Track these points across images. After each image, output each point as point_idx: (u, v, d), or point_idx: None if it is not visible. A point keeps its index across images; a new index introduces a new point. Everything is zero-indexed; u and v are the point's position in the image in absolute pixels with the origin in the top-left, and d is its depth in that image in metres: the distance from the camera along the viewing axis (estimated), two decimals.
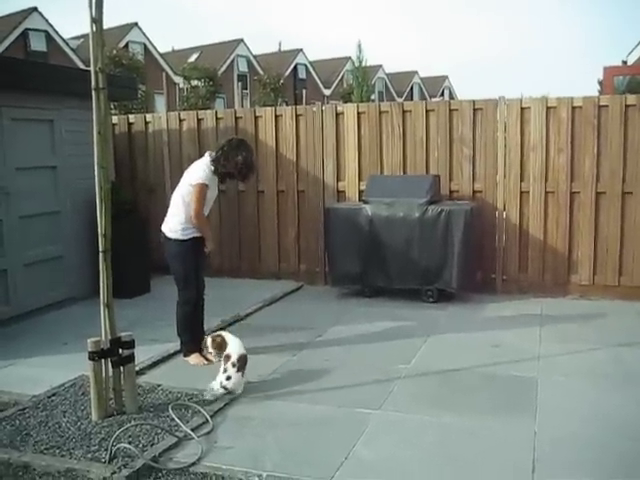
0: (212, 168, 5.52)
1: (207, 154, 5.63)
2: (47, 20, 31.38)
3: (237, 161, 5.49)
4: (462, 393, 4.89)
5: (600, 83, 15.34)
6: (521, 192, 7.83)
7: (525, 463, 3.76)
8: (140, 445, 4.00)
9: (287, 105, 10.44)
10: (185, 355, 5.72)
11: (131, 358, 4.53)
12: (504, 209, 7.92)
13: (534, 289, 7.84)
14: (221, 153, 5.50)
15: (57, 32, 31.81)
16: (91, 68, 4.23)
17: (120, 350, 4.46)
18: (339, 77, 48.34)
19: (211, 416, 4.41)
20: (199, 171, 5.52)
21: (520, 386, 4.99)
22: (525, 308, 7.31)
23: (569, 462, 3.79)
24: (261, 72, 39.42)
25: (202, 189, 5.44)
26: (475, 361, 5.54)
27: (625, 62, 12.98)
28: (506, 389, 4.94)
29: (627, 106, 7.38)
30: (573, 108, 7.56)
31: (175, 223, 5.55)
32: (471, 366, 5.42)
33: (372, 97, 35.49)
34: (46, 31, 31.25)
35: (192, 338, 5.69)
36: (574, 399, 4.73)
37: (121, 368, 4.50)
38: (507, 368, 5.38)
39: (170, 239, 5.57)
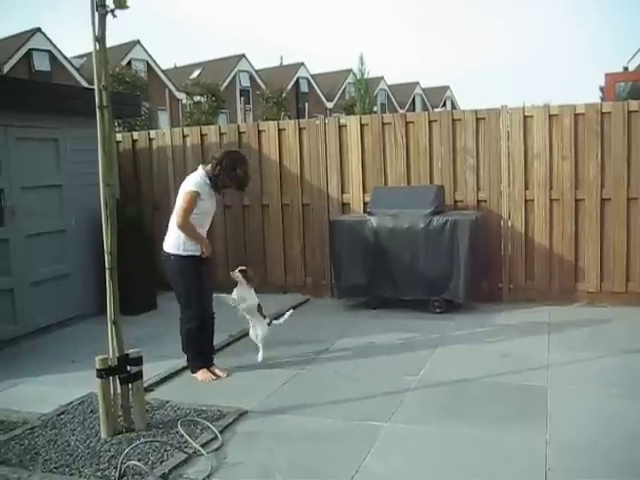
0: (208, 182, 5.47)
1: (200, 167, 5.59)
2: (50, 40, 31.66)
3: (237, 174, 5.50)
4: (472, 403, 4.86)
5: (602, 90, 15.35)
6: (526, 200, 7.82)
7: (537, 473, 3.73)
8: (150, 462, 3.99)
9: (290, 119, 10.49)
10: (192, 372, 5.67)
11: (139, 375, 4.52)
12: (509, 218, 7.91)
13: (541, 297, 7.82)
14: (217, 167, 5.45)
15: (60, 51, 32.10)
16: (95, 86, 4.26)
17: (128, 367, 4.46)
18: (341, 90, 48.53)
19: (220, 432, 4.40)
20: (192, 181, 5.46)
21: (530, 395, 4.96)
22: (533, 317, 7.29)
23: (581, 471, 3.76)
24: (263, 87, 39.60)
25: (192, 196, 5.36)
26: (484, 371, 5.51)
27: (626, 68, 12.98)
28: (516, 399, 4.92)
29: (630, 112, 7.38)
30: (576, 115, 7.56)
31: (174, 239, 5.49)
32: (480, 376, 5.40)
33: (374, 109, 35.55)
34: (49, 51, 31.54)
35: (198, 354, 5.66)
36: (585, 407, 4.70)
37: (129, 385, 4.49)
38: (516, 377, 5.35)
39: (170, 255, 5.51)
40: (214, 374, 5.60)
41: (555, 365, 5.59)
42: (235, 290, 5.90)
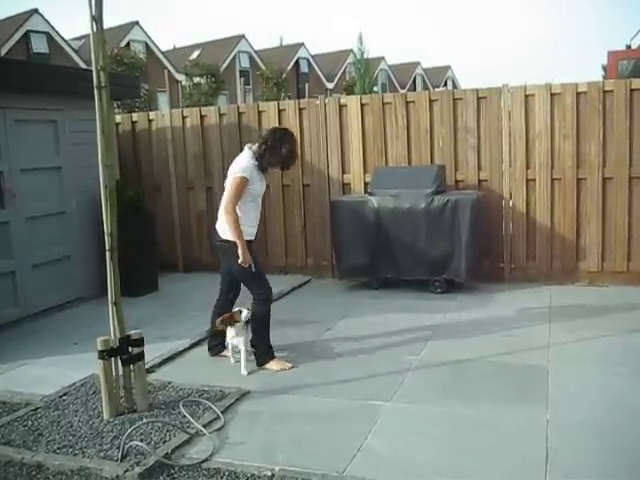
0: (255, 163, 5.25)
1: (247, 147, 5.38)
2: (48, 22, 31.42)
3: (282, 153, 5.26)
4: (473, 383, 4.87)
5: (604, 68, 15.26)
6: (527, 180, 7.79)
7: (538, 451, 3.75)
8: (152, 442, 4.01)
9: (290, 99, 10.41)
10: (264, 362, 5.34)
11: (141, 356, 4.52)
12: (510, 197, 7.89)
13: (542, 277, 7.81)
14: (265, 147, 5.24)
15: (58, 33, 31.85)
16: (92, 67, 4.23)
17: (130, 348, 4.47)
18: (341, 70, 48.22)
19: (222, 412, 4.41)
20: (240, 166, 5.22)
21: (531, 375, 4.97)
22: (534, 296, 7.29)
23: (583, 449, 3.77)
24: (263, 67, 39.39)
25: (241, 182, 5.13)
26: (485, 351, 5.52)
27: (629, 46, 12.88)
28: (517, 378, 4.92)
29: (632, 90, 7.32)
30: (578, 94, 7.51)
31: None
32: (481, 356, 5.41)
33: (375, 89, 35.38)
34: (47, 32, 31.29)
35: (270, 341, 5.40)
36: (586, 387, 4.71)
37: (131, 366, 4.50)
38: (518, 357, 5.36)
39: (229, 241, 5.18)
40: (288, 362, 5.42)
41: (557, 344, 5.59)
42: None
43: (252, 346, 5.40)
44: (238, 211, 5.15)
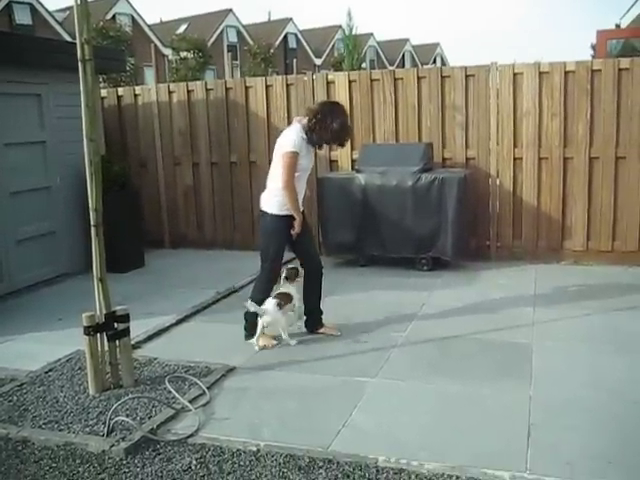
0: (304, 136, 5.13)
1: (296, 121, 5.30)
2: None
3: (333, 128, 5.11)
4: (458, 360, 4.91)
5: (593, 48, 15.23)
6: (514, 158, 7.79)
7: (521, 428, 3.79)
8: (138, 418, 4.01)
9: (278, 75, 10.33)
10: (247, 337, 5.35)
11: (126, 332, 4.52)
12: (497, 176, 7.90)
13: (528, 256, 7.85)
14: (313, 120, 5.10)
15: (42, 4, 31.38)
16: (77, 40, 4.17)
17: (115, 324, 4.46)
18: (330, 46, 47.89)
19: (208, 388, 4.42)
20: (289, 139, 5.10)
21: (516, 352, 5.01)
22: (519, 275, 7.33)
23: (564, 426, 3.82)
24: (251, 42, 39.05)
25: (293, 158, 5.05)
26: (470, 328, 5.56)
27: (618, 25, 12.87)
28: (502, 355, 4.96)
29: (620, 70, 7.32)
30: (566, 73, 7.49)
31: (272, 197, 5.20)
32: (466, 333, 5.45)
33: (363, 65, 35.16)
34: (31, 4, 30.82)
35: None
36: (569, 364, 4.75)
37: (117, 342, 4.49)
38: (503, 334, 5.40)
39: (266, 213, 5.22)
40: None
41: (541, 322, 5.64)
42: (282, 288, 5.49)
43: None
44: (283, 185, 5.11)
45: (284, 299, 5.32)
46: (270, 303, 5.19)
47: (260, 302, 5.23)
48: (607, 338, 5.25)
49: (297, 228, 5.17)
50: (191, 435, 3.83)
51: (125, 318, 4.50)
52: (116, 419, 3.95)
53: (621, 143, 7.40)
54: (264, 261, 5.35)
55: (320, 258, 5.66)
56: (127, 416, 4.01)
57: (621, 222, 7.53)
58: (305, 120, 5.19)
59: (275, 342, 5.32)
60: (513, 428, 3.80)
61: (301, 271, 5.50)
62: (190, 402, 4.22)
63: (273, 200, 5.19)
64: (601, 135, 7.45)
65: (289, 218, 5.19)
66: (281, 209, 5.16)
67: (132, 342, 4.78)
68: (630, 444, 3.62)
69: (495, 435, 3.75)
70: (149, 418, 4.02)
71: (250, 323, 5.33)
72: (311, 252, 5.54)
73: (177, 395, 4.30)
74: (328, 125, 5.10)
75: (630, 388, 4.31)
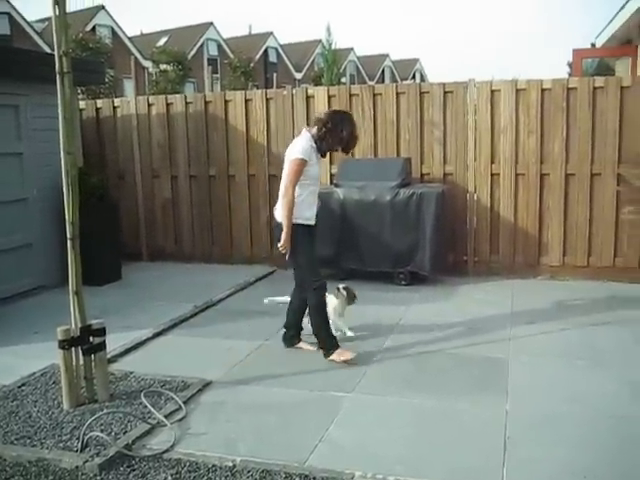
0: (314, 145, 5.12)
1: (305, 130, 5.25)
2: (9, 1, 30.75)
3: (343, 136, 5.12)
4: (434, 374, 4.92)
5: (570, 66, 15.43)
6: (492, 174, 7.87)
7: (497, 442, 3.80)
8: (112, 433, 3.97)
9: (258, 89, 10.33)
10: (329, 354, 5.20)
11: (102, 346, 4.48)
12: (475, 191, 7.96)
13: (505, 271, 7.91)
14: (323, 128, 5.09)
15: (20, 14, 31.20)
16: (55, 52, 4.15)
17: (91, 338, 4.42)
18: (310, 60, 48.12)
19: (184, 402, 4.39)
20: (299, 147, 5.07)
21: (492, 367, 5.04)
22: (497, 290, 7.38)
23: (540, 441, 3.84)
24: (231, 56, 39.11)
25: (300, 165, 5.00)
26: (448, 343, 5.58)
27: (594, 45, 13.06)
28: (478, 370, 4.99)
29: (595, 88, 7.44)
30: (542, 90, 7.60)
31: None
32: (444, 348, 5.47)
33: (343, 80, 35.37)
34: (9, 13, 30.66)
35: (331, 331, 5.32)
36: (545, 379, 4.79)
37: (92, 356, 4.45)
38: (479, 349, 5.42)
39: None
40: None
41: (518, 337, 5.67)
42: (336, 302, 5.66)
43: (316, 337, 5.33)
44: (295, 194, 5.04)
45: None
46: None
47: (331, 337, 5.26)
48: (583, 353, 5.29)
49: (282, 241, 5.03)
50: (167, 450, 3.79)
51: (101, 332, 4.46)
52: (90, 434, 3.91)
53: (596, 160, 7.50)
54: (304, 275, 5.23)
55: None
56: (102, 431, 3.97)
57: (596, 238, 7.62)
58: (314, 129, 5.17)
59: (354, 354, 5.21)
60: (490, 443, 3.82)
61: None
62: (166, 417, 4.18)
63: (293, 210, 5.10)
64: (577, 152, 7.56)
65: (308, 227, 5.15)
66: (303, 218, 5.12)
67: (108, 356, 4.73)
68: (607, 459, 3.64)
69: (472, 450, 3.76)
70: (124, 433, 3.97)
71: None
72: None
73: (153, 410, 4.26)
74: (338, 134, 5.12)
75: (606, 403, 4.35)
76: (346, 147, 5.28)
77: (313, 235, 5.25)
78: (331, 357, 5.18)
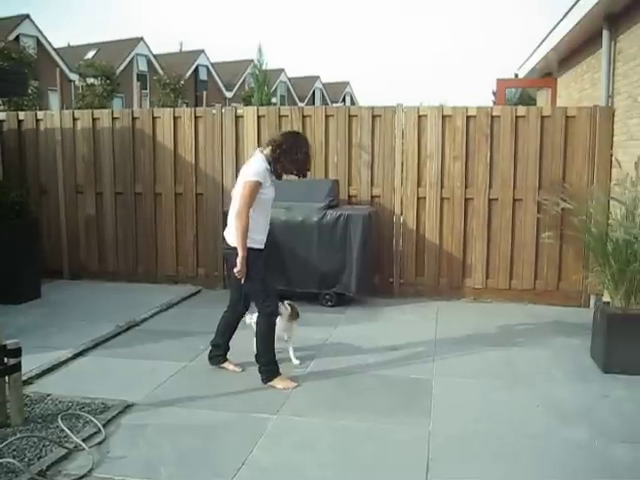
0: (268, 167, 5.00)
1: (258, 151, 5.13)
2: None
3: (298, 158, 5.02)
4: (359, 396, 4.94)
5: (494, 94, 15.98)
6: (418, 198, 8.01)
7: (420, 463, 3.84)
8: (26, 459, 3.81)
9: (187, 107, 10.24)
10: (269, 379, 5.12)
11: (17, 367, 4.30)
12: (401, 214, 8.09)
13: (430, 292, 8.04)
14: (280, 152, 4.98)
15: None
16: None
17: (5, 359, 4.24)
18: (241, 80, 48.17)
19: (104, 425, 4.26)
20: (253, 169, 4.95)
21: (415, 388, 5.10)
22: (421, 311, 7.48)
23: (462, 460, 3.90)
24: (161, 72, 38.73)
25: (255, 187, 4.87)
26: (372, 364, 5.62)
27: (517, 75, 13.55)
28: (402, 391, 5.03)
29: (517, 117, 7.71)
30: (468, 117, 7.82)
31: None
32: (368, 369, 5.50)
33: (273, 100, 35.56)
34: None
35: (274, 357, 5.20)
36: (468, 399, 4.87)
37: (6, 378, 4.27)
38: (403, 370, 5.48)
39: (237, 249, 4.94)
40: (292, 380, 5.21)
41: (442, 358, 5.76)
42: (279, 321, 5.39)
43: (256, 361, 5.22)
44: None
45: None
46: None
47: (273, 363, 5.16)
48: (502, 373, 5.42)
49: (238, 266, 4.91)
50: (84, 476, 3.67)
51: (16, 352, 4.29)
52: (1, 461, 3.73)
53: (518, 186, 7.75)
54: (257, 299, 5.17)
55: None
56: (14, 457, 3.79)
57: (518, 261, 7.85)
58: (268, 150, 5.07)
59: (294, 384, 5.13)
60: (413, 463, 3.85)
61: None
62: (84, 440, 4.04)
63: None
64: (500, 178, 7.79)
65: (261, 251, 5.07)
66: (256, 242, 5.01)
67: (24, 378, 4.57)
68: (526, 476, 3.73)
69: (395, 470, 3.78)
70: (38, 459, 3.82)
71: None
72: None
73: (70, 433, 4.11)
74: (293, 155, 5.02)
75: (525, 421, 4.46)
76: (302, 170, 5.16)
77: (265, 259, 5.15)
78: (271, 383, 5.11)
